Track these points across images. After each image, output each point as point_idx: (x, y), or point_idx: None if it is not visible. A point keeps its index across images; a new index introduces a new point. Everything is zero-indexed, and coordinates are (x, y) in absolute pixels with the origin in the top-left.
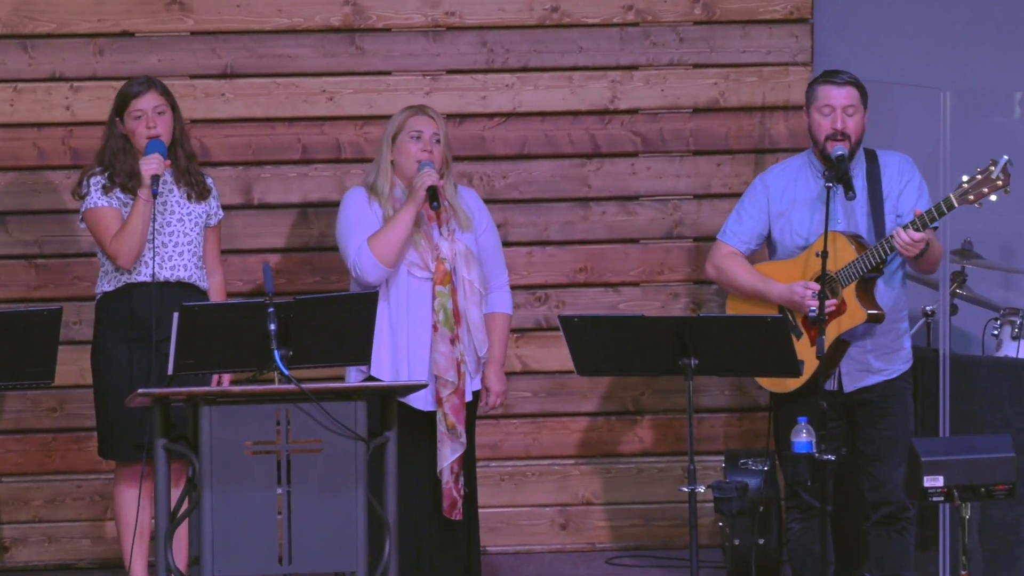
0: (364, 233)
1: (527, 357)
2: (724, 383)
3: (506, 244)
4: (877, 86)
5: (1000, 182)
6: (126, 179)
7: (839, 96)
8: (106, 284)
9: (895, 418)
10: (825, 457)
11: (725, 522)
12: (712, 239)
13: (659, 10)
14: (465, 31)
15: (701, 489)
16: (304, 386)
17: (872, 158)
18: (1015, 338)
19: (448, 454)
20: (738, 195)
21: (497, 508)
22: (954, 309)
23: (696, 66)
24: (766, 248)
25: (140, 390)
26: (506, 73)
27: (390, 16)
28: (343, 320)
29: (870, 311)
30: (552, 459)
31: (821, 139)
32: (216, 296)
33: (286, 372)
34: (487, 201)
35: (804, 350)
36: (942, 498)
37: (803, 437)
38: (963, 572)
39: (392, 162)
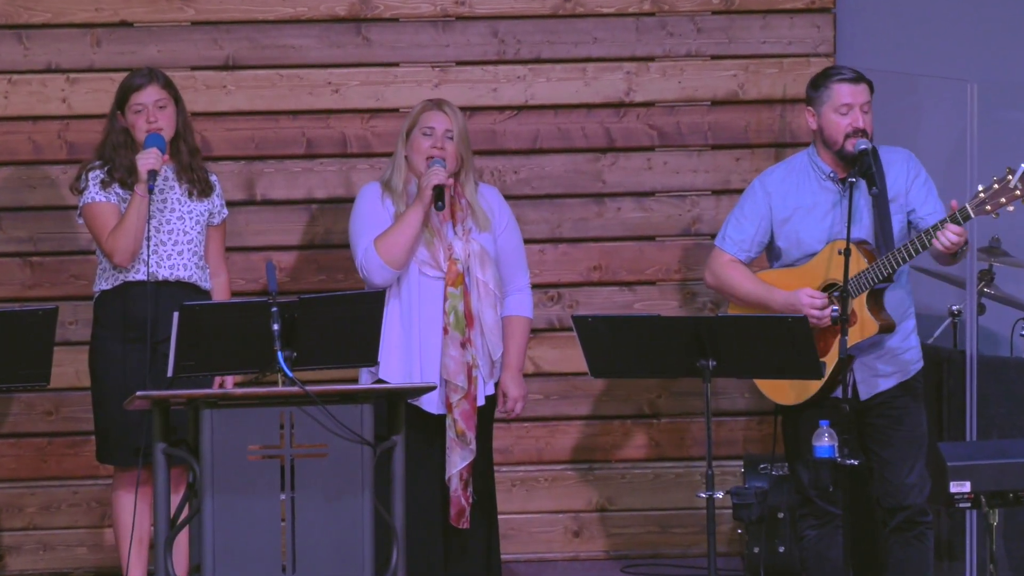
0: (373, 233)
1: (539, 358)
2: (743, 385)
3: None
4: (901, 78)
5: (1018, 191)
6: (126, 174)
7: (857, 93)
8: (104, 283)
9: (908, 420)
10: (848, 462)
11: (744, 529)
12: None
13: None
14: (475, 21)
15: (719, 495)
16: (309, 388)
17: (874, 156)
18: None
19: (457, 461)
20: None
21: (508, 515)
22: (981, 309)
23: (714, 57)
24: (766, 255)
25: (139, 393)
26: (518, 64)
27: (398, 5)
28: (349, 320)
29: (882, 322)
30: (565, 464)
31: (840, 139)
32: (219, 297)
33: (290, 374)
34: None
35: (820, 353)
36: (969, 504)
37: (825, 441)
38: None
39: (406, 158)
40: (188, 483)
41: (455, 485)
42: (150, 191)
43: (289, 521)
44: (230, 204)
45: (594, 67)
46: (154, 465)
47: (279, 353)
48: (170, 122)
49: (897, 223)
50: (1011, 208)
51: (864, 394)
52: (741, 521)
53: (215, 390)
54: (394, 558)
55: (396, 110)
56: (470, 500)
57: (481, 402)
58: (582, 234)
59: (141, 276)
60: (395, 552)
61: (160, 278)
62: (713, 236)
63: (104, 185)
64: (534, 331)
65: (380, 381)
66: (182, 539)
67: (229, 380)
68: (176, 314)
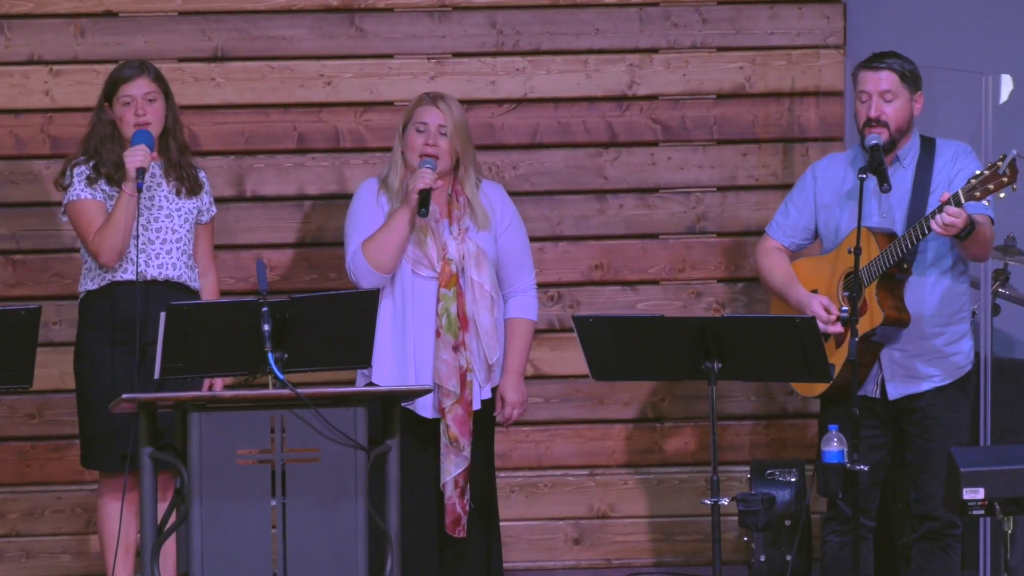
0: (364, 235)
1: (539, 360)
2: (750, 388)
3: None
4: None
5: (1006, 179)
6: (112, 170)
7: (875, 81)
8: (89, 282)
9: (945, 429)
10: (857, 467)
11: (750, 537)
12: (737, 234)
13: None
14: (473, 11)
15: (725, 501)
16: (300, 391)
17: (928, 147)
18: None
19: (451, 468)
20: (765, 187)
21: (507, 522)
22: (996, 309)
23: (720, 49)
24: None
25: (125, 395)
26: (517, 56)
27: None
28: (342, 320)
29: (889, 313)
30: (566, 469)
31: (860, 127)
32: (208, 297)
33: (281, 376)
34: None
35: (830, 352)
36: (983, 512)
37: (834, 446)
38: None
39: (403, 154)
40: (176, 488)
41: (449, 492)
42: (138, 189)
43: (280, 528)
44: (219, 200)
45: (596, 59)
46: (141, 470)
47: (270, 354)
48: (159, 117)
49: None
50: (1001, 195)
51: (893, 393)
52: (747, 529)
53: (203, 392)
54: (388, 566)
55: (391, 103)
56: (467, 508)
57: (477, 407)
58: (583, 232)
59: (128, 276)
60: (389, 560)
61: (148, 278)
62: (718, 234)
63: (90, 181)
64: (534, 332)
65: (371, 384)
66: (169, 547)
67: (218, 382)
68: (163, 314)
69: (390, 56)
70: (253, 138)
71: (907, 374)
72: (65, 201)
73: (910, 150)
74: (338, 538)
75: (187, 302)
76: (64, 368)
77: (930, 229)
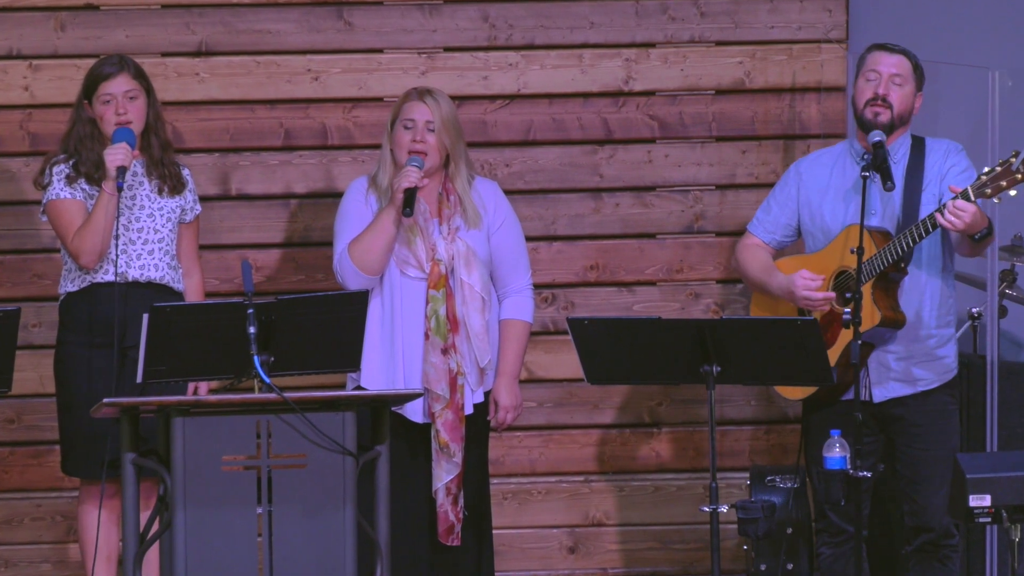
0: (353, 235)
1: (533, 364)
2: (750, 392)
3: None
4: (920, 65)
5: (1020, 175)
6: (92, 169)
7: (888, 62)
8: (69, 284)
9: (935, 437)
10: (860, 474)
11: (750, 545)
12: (736, 234)
13: None
14: (465, 4)
15: (724, 509)
16: (287, 395)
17: (919, 145)
18: None
19: (442, 475)
20: (765, 185)
21: (500, 529)
22: (1003, 311)
23: (719, 43)
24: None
25: (107, 400)
26: (510, 51)
27: None
28: (330, 322)
29: (886, 313)
30: (560, 476)
31: (861, 106)
32: (192, 299)
33: (267, 379)
34: None
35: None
36: (989, 519)
37: (836, 452)
38: None
39: (392, 152)
40: (159, 496)
41: (441, 499)
42: (119, 188)
43: (266, 536)
44: (203, 199)
45: (591, 53)
46: (123, 476)
47: (255, 357)
48: (140, 114)
49: (928, 212)
50: (1013, 192)
51: (878, 397)
52: (747, 537)
53: (187, 397)
54: (378, 575)
55: (380, 99)
56: (460, 516)
57: (469, 411)
58: (578, 231)
59: (109, 277)
60: (379, 569)
61: (129, 279)
62: (717, 234)
63: (69, 180)
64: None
65: (359, 388)
66: (152, 556)
67: (203, 386)
68: (146, 316)
69: (379, 51)
70: (238, 135)
71: (895, 377)
72: (44, 200)
73: (901, 147)
74: (326, 547)
75: (171, 303)
76: (44, 372)
77: (934, 227)
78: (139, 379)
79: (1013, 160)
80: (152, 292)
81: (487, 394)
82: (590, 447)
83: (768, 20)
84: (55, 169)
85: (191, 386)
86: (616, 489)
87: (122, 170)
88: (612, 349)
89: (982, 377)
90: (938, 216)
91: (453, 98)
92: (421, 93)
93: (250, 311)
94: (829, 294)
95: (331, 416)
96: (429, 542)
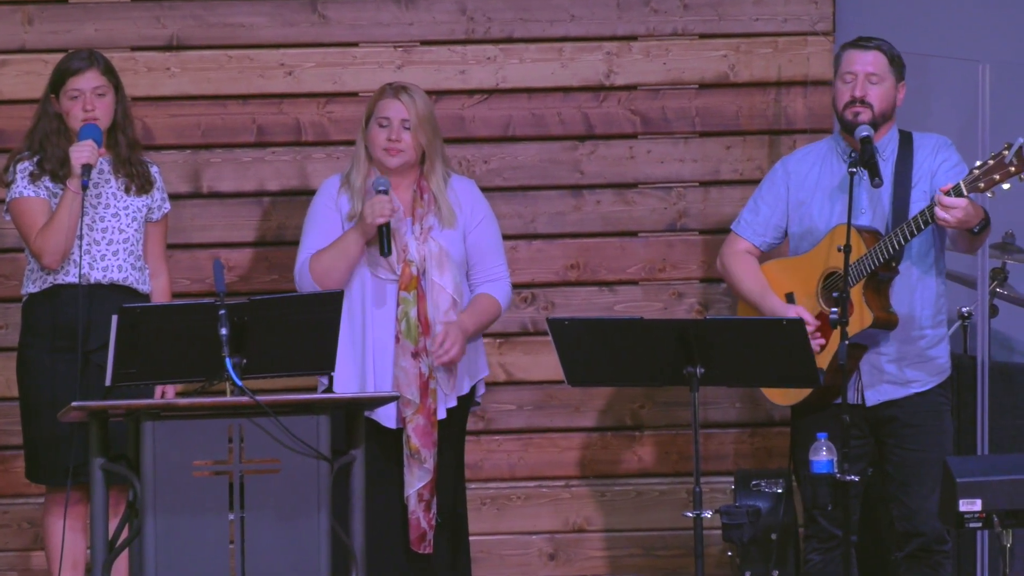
0: (317, 243)
1: (511, 365)
2: (734, 395)
3: None
4: (909, 58)
5: (1014, 168)
6: (57, 166)
7: (863, 61)
8: (31, 285)
9: (927, 438)
10: (848, 478)
11: (735, 551)
12: (720, 232)
13: None
14: None
15: (708, 514)
16: (259, 398)
17: (907, 141)
18: None
19: (414, 481)
20: (750, 182)
21: (478, 536)
22: (994, 311)
23: (703, 36)
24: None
25: (75, 403)
26: (488, 44)
27: None
28: (304, 323)
29: (879, 314)
30: (540, 480)
31: (840, 107)
32: (159, 300)
33: (239, 382)
34: None
35: (820, 364)
36: (980, 524)
37: (823, 455)
38: None
39: (366, 149)
40: (128, 502)
41: (413, 505)
42: (84, 187)
43: (238, 543)
44: (173, 197)
45: (571, 47)
46: (91, 482)
47: (227, 360)
48: (108, 111)
49: (918, 209)
50: (1006, 186)
51: (871, 399)
52: (731, 543)
53: (157, 400)
54: None
55: (355, 94)
56: (433, 523)
57: (442, 415)
58: (558, 229)
59: (71, 279)
60: None
61: (92, 280)
62: (700, 232)
63: (33, 178)
64: (506, 335)
65: (328, 392)
66: (121, 564)
67: (170, 390)
68: (115, 317)
69: (354, 44)
70: (210, 131)
71: (888, 379)
72: (8, 199)
73: (889, 143)
74: (299, 553)
75: (140, 304)
76: (9, 375)
77: (925, 224)
78: (108, 382)
79: (1006, 152)
80: (116, 294)
81: (461, 399)
82: (571, 451)
83: (753, 12)
84: (19, 167)
85: (159, 389)
86: (597, 494)
87: (87, 168)
88: (593, 350)
89: (972, 378)
90: (937, 212)
91: (430, 93)
92: (396, 90)
93: (222, 312)
94: (820, 341)
95: (305, 420)
96: (403, 549)
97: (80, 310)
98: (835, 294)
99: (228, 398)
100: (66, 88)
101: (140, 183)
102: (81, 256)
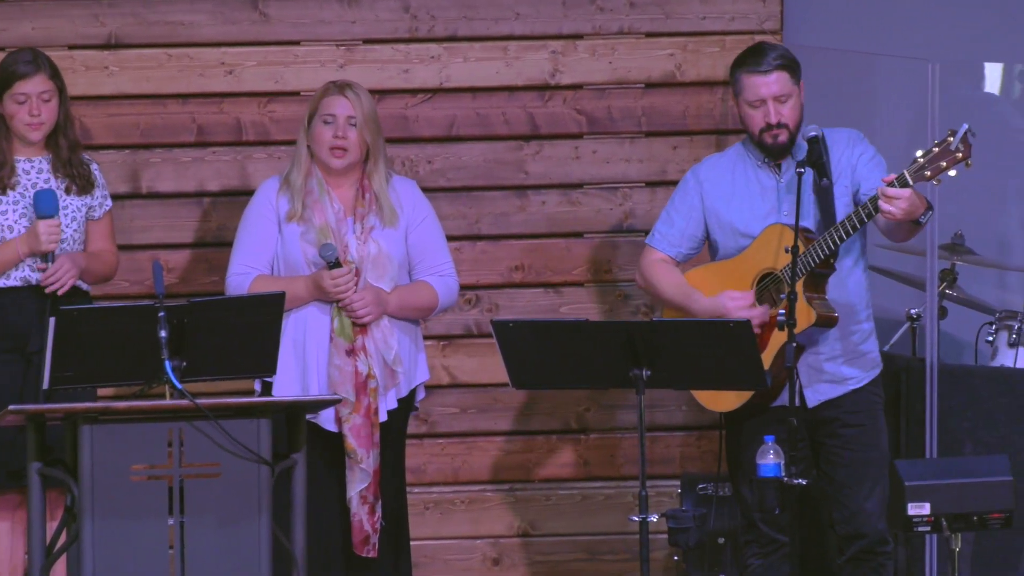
0: (251, 251)
1: (455, 368)
2: (681, 397)
3: None
4: (856, 57)
5: (960, 154)
6: None
7: (768, 86)
8: None
9: (866, 438)
10: (796, 482)
11: (681, 556)
12: None
13: None
14: None
15: (654, 518)
16: (199, 401)
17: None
18: (1012, 345)
19: (355, 483)
20: None
21: (421, 540)
22: (943, 312)
23: (649, 35)
24: (708, 251)
25: (12, 407)
26: (432, 43)
27: None
28: (245, 325)
29: (821, 312)
30: (484, 484)
31: (756, 133)
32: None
33: (179, 385)
34: None
35: None
36: (929, 528)
37: (770, 459)
38: None
39: (309, 148)
40: (66, 506)
41: (355, 508)
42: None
43: (178, 548)
44: (113, 197)
45: (516, 46)
46: (28, 487)
47: (167, 362)
48: (53, 115)
49: (843, 206)
50: (953, 173)
51: (812, 400)
52: (678, 547)
53: (95, 404)
54: None
55: (297, 93)
56: (376, 526)
57: (383, 418)
58: (503, 230)
59: (14, 281)
60: None
61: (33, 282)
62: (646, 232)
63: None
64: (450, 337)
65: (266, 394)
66: (59, 568)
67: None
68: (52, 320)
69: (296, 43)
70: (149, 131)
71: (826, 378)
72: None
73: (801, 146)
74: (240, 559)
75: (78, 307)
76: None
77: (869, 216)
78: (45, 385)
79: (951, 139)
80: (58, 295)
81: (401, 401)
82: (515, 454)
83: (700, 10)
84: None
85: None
86: (542, 498)
87: (50, 253)
88: (538, 352)
89: (921, 380)
90: (881, 204)
91: (373, 92)
92: (341, 87)
93: (161, 314)
94: (764, 309)
95: (246, 423)
96: (344, 553)
97: (28, 313)
98: (783, 296)
99: (167, 401)
100: (12, 91)
101: (81, 184)
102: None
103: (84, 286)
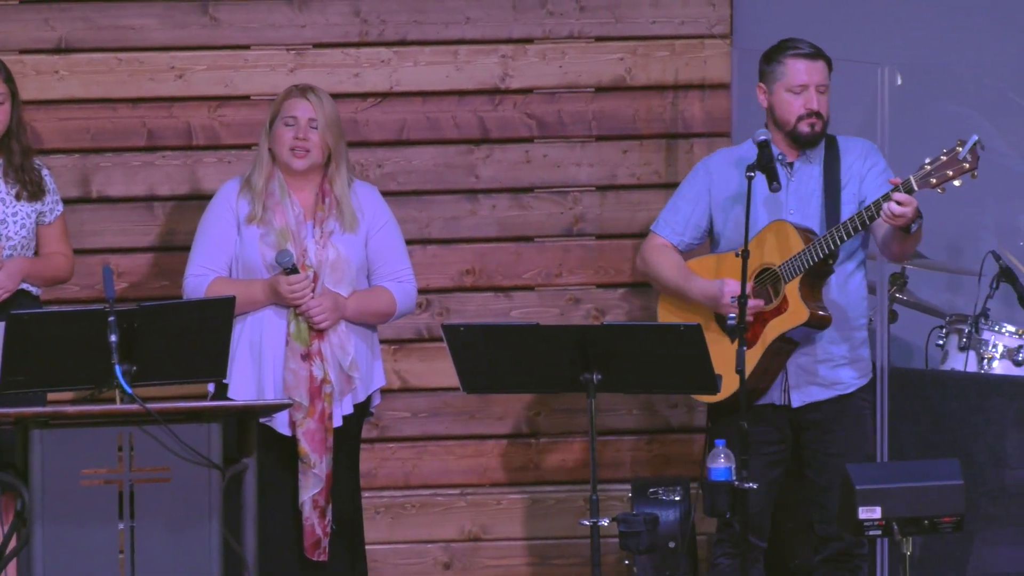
0: (209, 253)
1: (406, 372)
2: (632, 402)
3: None
4: None
5: (967, 164)
6: None
7: (813, 72)
8: None
9: (849, 443)
10: (746, 485)
11: (632, 560)
12: (617, 237)
13: None
14: None
15: (605, 522)
16: (150, 406)
17: (831, 144)
18: (963, 349)
19: (308, 487)
20: (647, 186)
21: (372, 545)
22: (893, 316)
23: (599, 39)
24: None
25: None
26: (382, 47)
27: None
28: (195, 329)
29: (814, 311)
30: (435, 489)
31: (792, 120)
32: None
33: (129, 390)
34: None
35: (750, 360)
36: (879, 532)
37: (721, 463)
38: None
39: (270, 151)
40: (16, 511)
41: (307, 512)
42: None
43: (128, 553)
44: (63, 202)
45: (466, 50)
46: None
47: (117, 367)
48: (5, 119)
49: (848, 212)
50: (958, 183)
51: (797, 401)
52: (629, 551)
53: (46, 408)
54: None
55: (247, 97)
56: (327, 530)
57: (338, 422)
58: (453, 234)
59: None
60: None
61: None
62: (597, 237)
63: None
64: (401, 342)
65: (220, 397)
66: (10, 572)
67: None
68: (2, 324)
69: (246, 47)
70: (99, 135)
71: (816, 381)
72: None
73: (819, 149)
74: (191, 564)
75: (29, 311)
76: None
77: (871, 219)
78: None
79: (959, 149)
80: (8, 298)
81: (358, 407)
82: (466, 459)
83: (650, 15)
84: None
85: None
86: (493, 502)
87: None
88: (489, 357)
89: (872, 384)
90: (887, 206)
91: None
92: (303, 90)
93: (111, 319)
94: (757, 301)
95: (196, 428)
96: (298, 558)
97: None
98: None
99: (118, 406)
100: None
101: (32, 190)
102: None
103: (34, 290)
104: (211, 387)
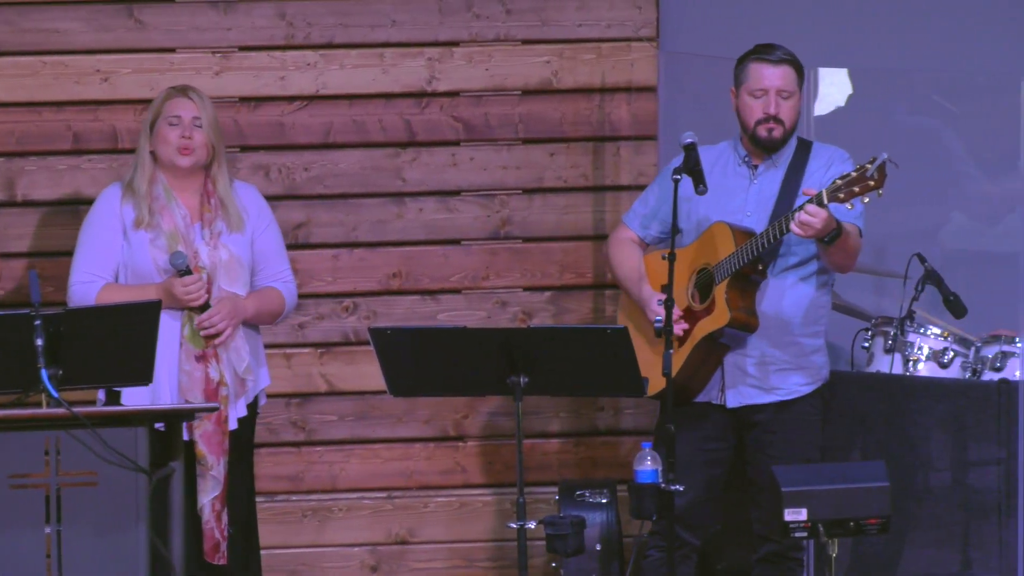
0: (95, 260)
1: (332, 375)
2: (558, 404)
3: (308, 246)
4: (732, 64)
5: (873, 183)
6: None
7: (773, 76)
8: None
9: (790, 446)
10: (673, 487)
11: (559, 562)
12: (544, 240)
13: None
14: (261, 2)
15: (532, 525)
16: (76, 410)
17: (804, 148)
18: (889, 351)
19: (208, 490)
20: (574, 189)
21: (298, 548)
22: None
23: (526, 42)
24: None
25: None
26: (308, 50)
27: None
28: (121, 333)
29: (736, 315)
30: (362, 492)
31: (751, 124)
32: None
33: (55, 394)
34: (286, 197)
35: (678, 358)
36: (806, 533)
37: (647, 465)
38: None
39: (152, 153)
40: None
41: (207, 516)
42: None
43: (55, 557)
44: None
45: (392, 53)
46: None
47: (43, 371)
48: None
49: None
50: (866, 200)
51: (731, 402)
52: (556, 554)
53: None
54: None
55: None
56: (225, 533)
57: (233, 425)
58: (380, 237)
59: None
60: None
61: None
62: (524, 240)
63: None
64: (327, 345)
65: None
66: None
67: None
68: None
69: (172, 50)
70: (24, 138)
71: (750, 383)
72: None
73: (786, 150)
74: (118, 567)
75: None
76: None
77: (782, 233)
78: None
79: (868, 166)
80: None
81: (251, 407)
82: (393, 462)
83: (576, 18)
84: None
85: None
86: (420, 505)
87: None
88: (416, 360)
89: (822, 391)
90: (797, 216)
91: (250, 99)
92: (183, 90)
93: (37, 322)
94: (681, 324)
95: (123, 432)
96: (198, 562)
97: None
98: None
99: (44, 410)
100: None
101: None
102: None
103: None
104: (101, 394)
